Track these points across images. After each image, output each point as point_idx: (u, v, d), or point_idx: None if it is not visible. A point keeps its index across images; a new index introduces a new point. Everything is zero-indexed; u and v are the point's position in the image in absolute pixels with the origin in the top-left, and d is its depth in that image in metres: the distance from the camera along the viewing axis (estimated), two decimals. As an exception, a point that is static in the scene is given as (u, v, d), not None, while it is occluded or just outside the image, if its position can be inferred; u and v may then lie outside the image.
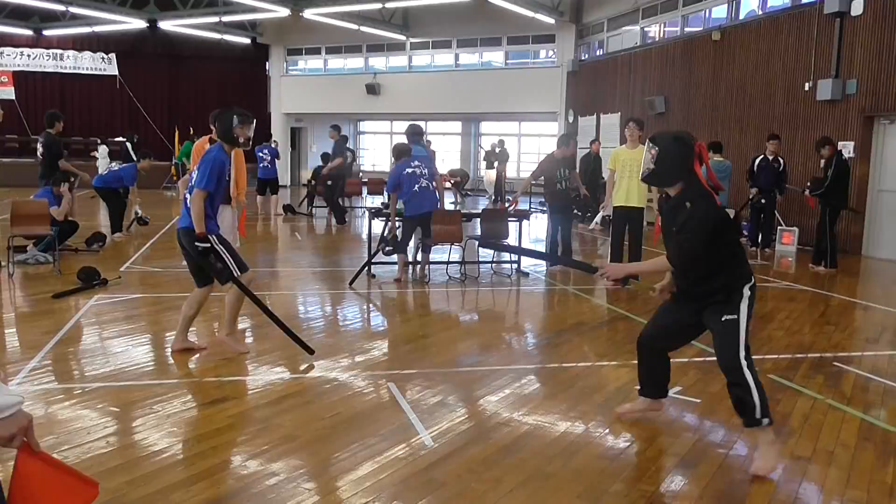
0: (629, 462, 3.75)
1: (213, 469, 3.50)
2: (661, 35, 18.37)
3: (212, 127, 7.61)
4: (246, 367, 5.19)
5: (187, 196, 5.10)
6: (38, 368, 4.93)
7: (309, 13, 20.66)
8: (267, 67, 27.88)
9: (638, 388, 4.32)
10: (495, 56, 24.72)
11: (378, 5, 20.29)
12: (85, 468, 3.34)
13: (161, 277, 8.40)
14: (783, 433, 4.14)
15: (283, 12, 20.50)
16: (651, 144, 3.77)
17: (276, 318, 5.37)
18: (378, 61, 26.58)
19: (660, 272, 4.05)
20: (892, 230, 11.62)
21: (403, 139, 8.96)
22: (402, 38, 24.66)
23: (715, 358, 3.74)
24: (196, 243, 4.95)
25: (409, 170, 8.28)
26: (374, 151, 29.76)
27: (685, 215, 3.63)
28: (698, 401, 4.64)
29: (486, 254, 9.96)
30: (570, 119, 21.41)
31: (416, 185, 8.21)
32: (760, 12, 14.79)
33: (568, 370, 5.26)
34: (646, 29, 18.82)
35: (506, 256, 9.46)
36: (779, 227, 12.52)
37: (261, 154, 15.15)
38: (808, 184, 10.57)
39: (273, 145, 16.08)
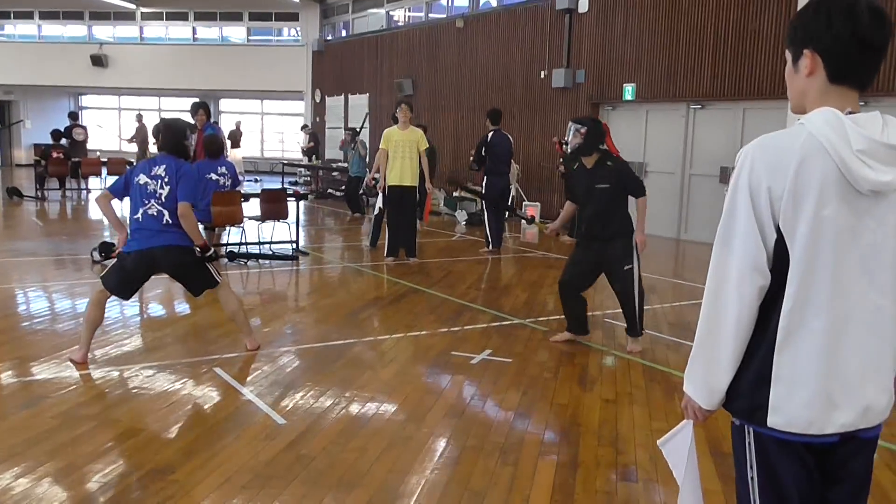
0: (476, 420, 4.08)
1: (65, 473, 3.23)
2: (407, 20, 19.03)
3: None
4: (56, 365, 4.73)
5: (155, 212, 4.70)
6: None
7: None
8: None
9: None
10: (236, 32, 23.92)
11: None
12: None
13: None
14: (586, 381, 4.74)
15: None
16: (579, 126, 5.17)
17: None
18: (104, 30, 24.45)
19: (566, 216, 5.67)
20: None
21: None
22: (132, 6, 22.94)
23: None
24: (203, 254, 4.85)
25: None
26: (101, 128, 27.25)
27: (610, 171, 5.15)
28: (510, 360, 5.11)
29: (265, 235, 9.78)
30: (317, 99, 21.43)
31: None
32: (497, 4, 15.91)
33: (381, 343, 5.48)
34: (391, 13, 19.36)
35: (286, 237, 9.37)
36: (524, 202, 13.73)
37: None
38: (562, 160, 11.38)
39: None
